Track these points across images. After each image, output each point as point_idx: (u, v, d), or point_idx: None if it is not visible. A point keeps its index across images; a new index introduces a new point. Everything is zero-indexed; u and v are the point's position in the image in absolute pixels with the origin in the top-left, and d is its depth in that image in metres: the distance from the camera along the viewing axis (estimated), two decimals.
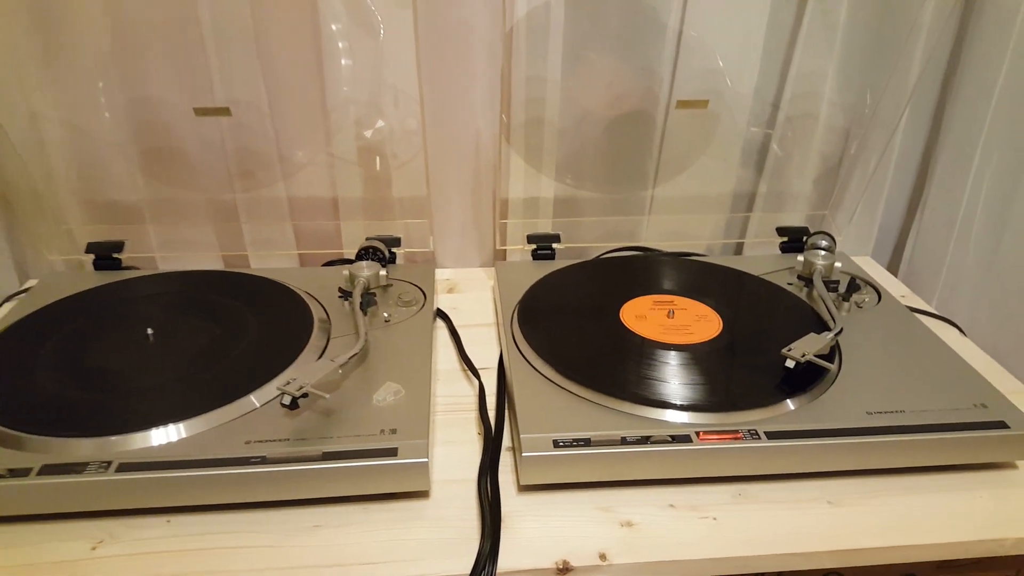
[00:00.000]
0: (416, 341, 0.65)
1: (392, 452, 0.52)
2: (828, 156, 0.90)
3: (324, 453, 0.52)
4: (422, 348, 0.64)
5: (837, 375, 0.62)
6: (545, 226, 0.87)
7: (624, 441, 0.54)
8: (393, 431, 0.54)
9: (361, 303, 0.66)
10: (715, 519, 0.53)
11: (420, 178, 0.83)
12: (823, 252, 0.76)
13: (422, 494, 0.55)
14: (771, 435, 0.55)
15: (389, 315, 0.68)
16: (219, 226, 0.86)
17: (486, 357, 0.71)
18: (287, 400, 0.53)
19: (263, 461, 0.52)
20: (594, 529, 0.52)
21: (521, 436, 0.54)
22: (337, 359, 0.57)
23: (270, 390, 0.58)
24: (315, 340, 0.64)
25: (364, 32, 0.76)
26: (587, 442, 0.53)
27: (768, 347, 0.63)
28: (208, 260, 0.88)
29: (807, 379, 0.60)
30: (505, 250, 0.88)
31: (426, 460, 0.52)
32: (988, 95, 0.82)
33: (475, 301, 0.82)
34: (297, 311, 0.68)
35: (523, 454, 0.52)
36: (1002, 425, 0.56)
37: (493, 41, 0.79)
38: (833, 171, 0.90)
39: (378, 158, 0.83)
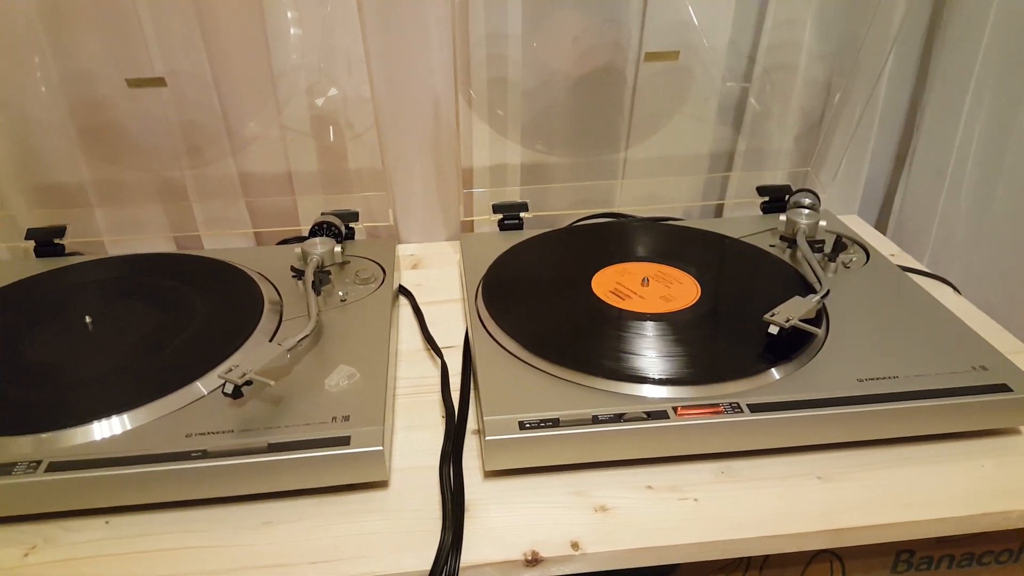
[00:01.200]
0: (374, 321, 0.60)
1: (344, 441, 0.48)
2: (809, 110, 0.85)
3: (270, 444, 0.48)
4: (380, 328, 0.59)
5: (824, 340, 0.58)
6: (513, 195, 0.82)
7: (596, 420, 0.49)
8: (346, 418, 0.50)
9: (313, 282, 0.61)
10: (696, 500, 0.49)
11: (377, 148, 0.78)
12: (806, 211, 0.72)
13: (380, 484, 0.51)
14: (754, 407, 0.51)
15: (345, 294, 0.64)
16: (169, 206, 0.81)
17: (453, 335, 0.67)
18: (229, 389, 0.49)
19: (204, 455, 0.47)
20: (566, 515, 0.48)
21: (484, 419, 0.50)
22: (285, 342, 0.53)
23: (215, 378, 0.53)
24: (265, 323, 0.60)
25: None
26: (555, 423, 0.49)
27: (750, 313, 0.59)
28: (159, 242, 0.83)
29: (792, 346, 0.56)
30: (472, 221, 0.83)
31: (381, 448, 0.48)
32: (978, 35, 0.77)
33: (441, 277, 0.77)
34: (247, 293, 0.63)
35: (486, 438, 0.48)
36: (1004, 388, 0.52)
37: None
38: (815, 126, 0.86)
39: (332, 128, 0.77)
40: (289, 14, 0.73)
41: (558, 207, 0.84)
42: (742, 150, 0.85)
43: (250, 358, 0.51)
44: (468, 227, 0.85)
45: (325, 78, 0.76)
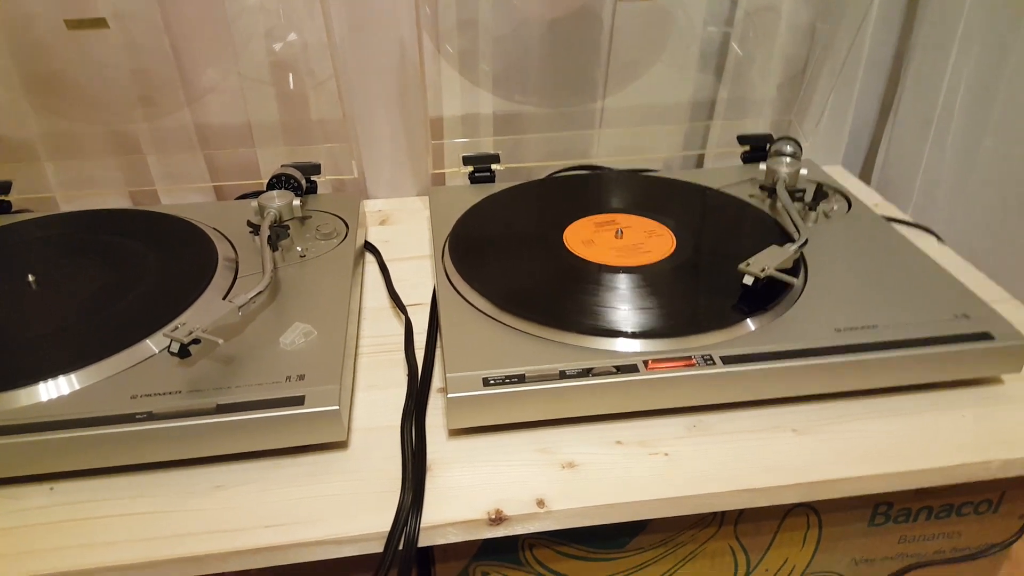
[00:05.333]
0: (334, 278, 0.58)
1: (298, 401, 0.45)
2: (792, 57, 0.82)
3: (219, 405, 0.45)
4: (340, 285, 0.57)
5: (802, 290, 0.56)
6: (486, 146, 0.79)
7: (563, 375, 0.47)
8: (301, 377, 0.47)
9: (269, 237, 0.58)
10: (667, 455, 0.47)
11: (345, 99, 0.74)
12: (787, 159, 0.69)
13: (339, 445, 0.48)
14: (728, 359, 0.48)
15: (305, 250, 0.61)
16: (123, 160, 0.77)
17: (422, 292, 0.64)
18: (175, 347, 0.46)
19: (150, 417, 0.45)
20: (532, 473, 0.46)
21: (447, 375, 0.47)
22: (236, 299, 0.50)
23: (164, 337, 0.50)
24: (219, 280, 0.57)
25: None
26: (521, 379, 0.47)
27: (726, 264, 0.57)
28: (114, 198, 0.79)
29: (768, 296, 0.54)
30: (444, 174, 0.80)
31: (337, 407, 0.45)
32: None
33: (410, 232, 0.74)
34: (200, 249, 0.60)
35: (449, 395, 0.46)
36: (986, 336, 0.50)
37: None
38: (798, 73, 0.82)
39: (291, 76, 0.74)
40: None
41: (533, 159, 0.81)
42: (724, 98, 0.82)
43: (200, 316, 0.49)
44: (439, 180, 0.82)
45: (284, 21, 0.72)
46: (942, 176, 0.80)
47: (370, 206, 0.79)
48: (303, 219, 0.65)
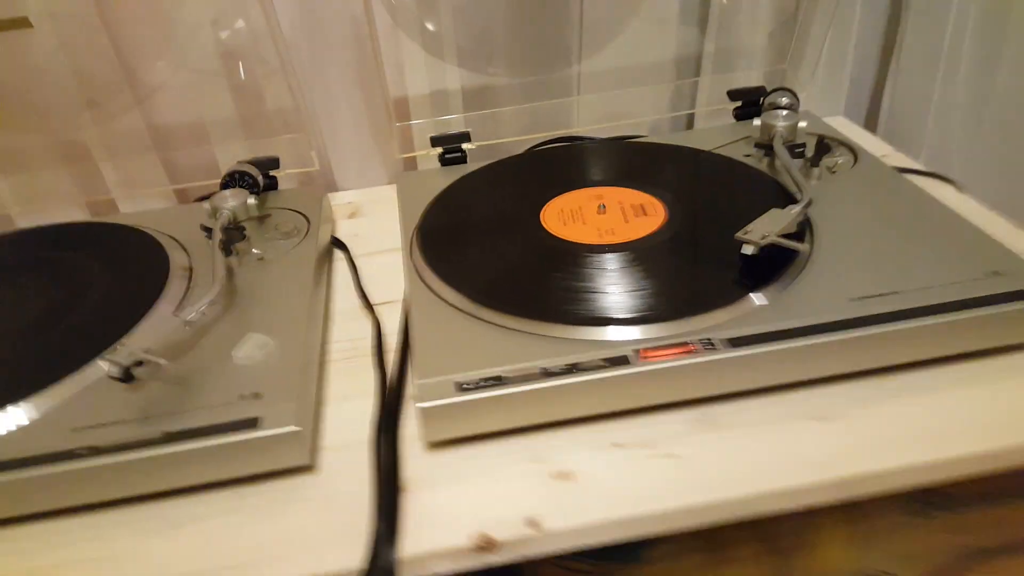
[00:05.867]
0: (295, 279, 0.53)
1: (251, 423, 0.41)
2: (781, 0, 0.76)
3: (166, 434, 0.41)
4: (300, 287, 0.52)
5: (810, 257, 0.50)
6: (457, 124, 0.73)
7: (545, 374, 0.42)
8: (256, 395, 0.42)
9: (222, 241, 0.53)
10: (673, 456, 0.42)
11: (296, 85, 0.69)
12: (783, 112, 0.63)
13: (306, 468, 0.44)
14: (732, 342, 0.43)
15: (262, 251, 0.56)
16: (75, 169, 0.72)
17: (396, 289, 0.59)
18: (116, 372, 0.41)
19: (93, 452, 0.40)
20: (522, 487, 0.41)
21: (416, 382, 0.42)
22: (183, 313, 0.45)
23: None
24: (173, 291, 0.52)
25: None
26: (498, 380, 0.42)
27: (723, 234, 0.51)
28: (72, 210, 0.74)
29: (773, 267, 0.48)
30: (415, 158, 0.74)
31: (296, 428, 0.40)
32: None
33: (382, 224, 0.69)
34: (152, 260, 0.55)
35: (417, 404, 0.41)
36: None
37: None
38: (790, 18, 0.76)
39: (242, 65, 0.68)
40: None
41: (509, 133, 0.75)
42: (710, 52, 0.76)
43: (148, 334, 0.44)
44: (411, 165, 0.76)
45: (230, 7, 0.66)
46: (955, 119, 0.74)
47: (339, 199, 0.74)
48: (262, 218, 0.60)
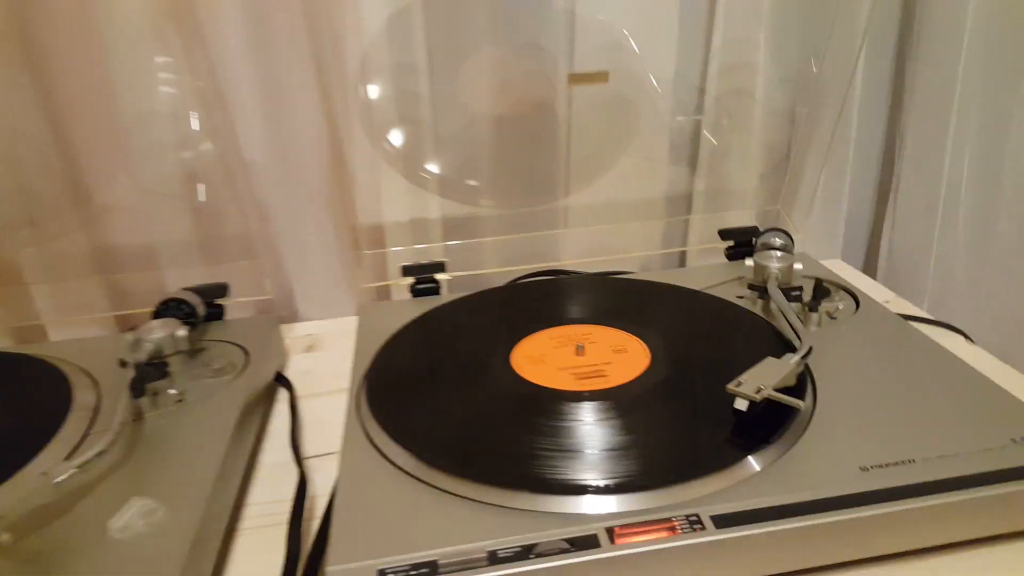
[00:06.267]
0: (212, 427, 0.45)
1: None
2: (774, 143, 0.73)
3: None
4: (217, 436, 0.44)
5: (812, 416, 0.43)
6: (436, 253, 0.68)
7: (493, 559, 0.34)
8: None
9: (135, 379, 0.46)
10: None
11: (260, 207, 0.65)
12: (778, 252, 0.58)
13: None
14: (720, 521, 0.35)
15: (182, 392, 0.49)
16: (3, 292, 0.66)
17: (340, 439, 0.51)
18: None
19: None
20: None
21: (327, 569, 0.34)
22: (53, 470, 0.37)
23: None
24: (65, 437, 0.44)
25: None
26: (432, 569, 0.34)
27: (714, 383, 0.45)
28: None
29: (769, 426, 0.41)
30: (388, 287, 0.69)
31: None
32: (956, 44, 0.66)
33: (339, 360, 0.62)
34: (52, 397, 0.48)
35: None
36: None
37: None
38: (781, 160, 0.73)
39: (202, 187, 0.64)
40: (158, 59, 0.61)
41: (490, 265, 0.70)
42: (701, 191, 0.73)
43: (7, 495, 0.36)
44: (384, 296, 0.71)
45: (195, 128, 0.63)
46: (957, 265, 0.70)
47: (298, 330, 0.68)
48: (196, 352, 0.54)
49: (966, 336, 0.61)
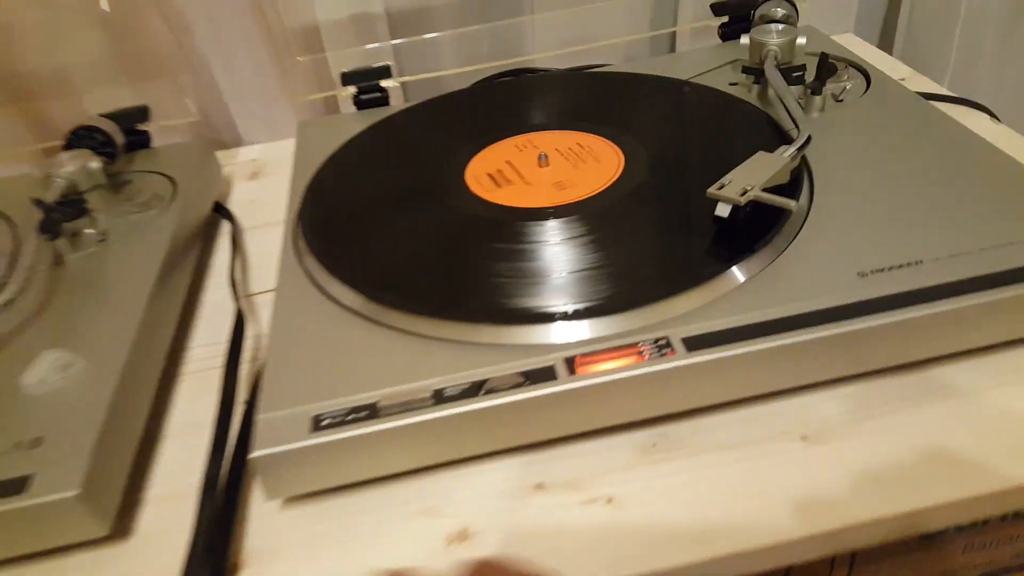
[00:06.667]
0: (136, 268, 0.41)
1: (17, 487, 0.29)
2: None
3: None
4: (143, 277, 0.40)
5: (807, 217, 0.38)
6: (385, 55, 0.60)
7: (438, 399, 0.30)
8: (36, 443, 0.31)
9: (46, 221, 0.41)
10: (613, 502, 0.31)
11: (178, 14, 0.56)
12: (778, 26, 0.50)
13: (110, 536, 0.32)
14: (693, 343, 0.31)
15: (104, 231, 0.44)
16: None
17: None
18: None
19: None
20: (408, 551, 0.30)
21: (258, 417, 0.31)
22: None
23: None
24: None
25: None
26: (371, 412, 0.30)
27: (698, 187, 0.39)
28: None
29: (757, 232, 0.36)
30: (332, 101, 0.61)
31: (74, 492, 0.29)
32: None
33: (285, 187, 0.56)
34: None
35: (251, 454, 0.29)
36: None
37: None
38: None
39: None
40: None
41: (446, 66, 0.62)
42: None
43: None
44: (334, 109, 0.63)
45: None
46: (987, 33, 0.60)
47: (243, 155, 0.61)
48: (119, 186, 0.48)
49: (991, 114, 0.53)
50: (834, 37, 0.60)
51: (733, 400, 0.33)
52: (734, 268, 0.34)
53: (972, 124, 0.51)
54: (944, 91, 0.56)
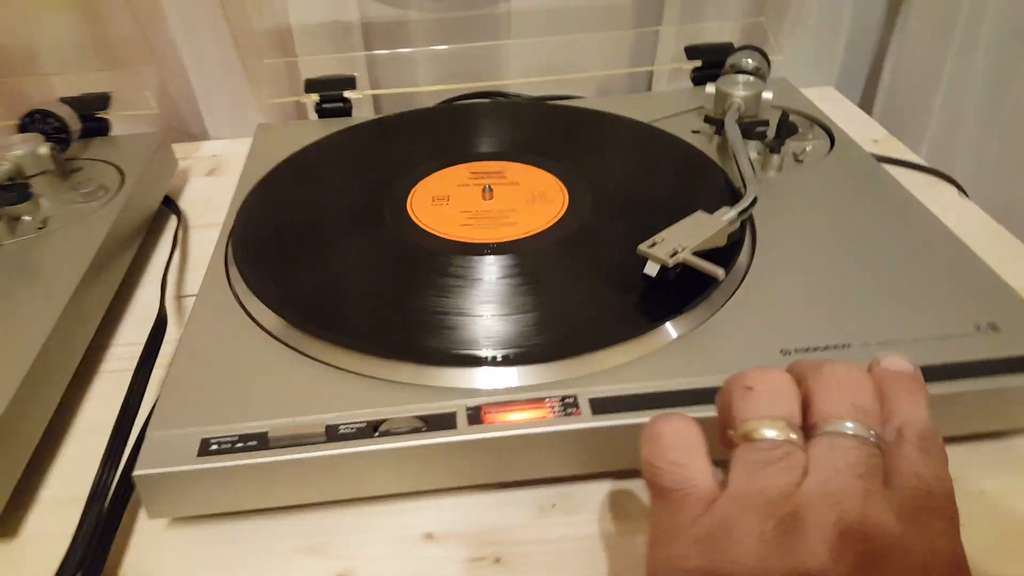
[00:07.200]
0: (68, 258, 0.40)
1: None
2: None
3: None
4: (69, 270, 0.39)
5: (743, 280, 0.37)
6: (356, 66, 0.59)
7: (333, 435, 0.30)
8: None
9: None
10: (499, 561, 0.30)
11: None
12: (748, 77, 0.49)
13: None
14: (599, 405, 0.31)
15: (45, 218, 0.43)
16: None
17: None
18: None
19: None
20: None
21: (147, 434, 0.30)
22: None
23: None
24: None
25: None
26: (261, 441, 0.30)
27: (638, 237, 0.38)
28: None
29: (689, 291, 0.35)
30: (296, 107, 0.61)
31: None
32: None
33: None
34: None
35: (134, 472, 0.29)
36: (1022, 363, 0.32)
37: None
38: None
39: None
40: None
41: (420, 82, 0.61)
42: None
43: None
44: (303, 115, 0.63)
45: None
46: (969, 103, 0.60)
47: (205, 150, 0.61)
48: (69, 173, 0.48)
49: (960, 188, 0.53)
50: (812, 90, 0.60)
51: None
52: (662, 326, 0.34)
53: (938, 197, 0.50)
54: (914, 158, 0.56)
